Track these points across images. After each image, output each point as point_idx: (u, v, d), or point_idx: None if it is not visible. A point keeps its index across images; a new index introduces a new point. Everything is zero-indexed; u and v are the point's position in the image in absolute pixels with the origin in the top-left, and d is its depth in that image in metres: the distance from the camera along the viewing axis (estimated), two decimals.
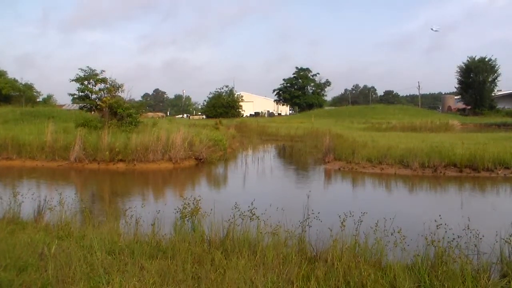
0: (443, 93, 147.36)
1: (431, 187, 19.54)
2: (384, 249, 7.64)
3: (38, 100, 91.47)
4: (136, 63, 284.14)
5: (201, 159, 26.05)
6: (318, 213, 8.75)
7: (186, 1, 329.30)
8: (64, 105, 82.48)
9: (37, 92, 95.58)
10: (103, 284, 5.76)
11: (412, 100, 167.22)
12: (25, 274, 6.01)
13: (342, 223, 8.06)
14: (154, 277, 6.04)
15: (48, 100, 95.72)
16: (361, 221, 8.17)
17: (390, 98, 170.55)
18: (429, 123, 51.14)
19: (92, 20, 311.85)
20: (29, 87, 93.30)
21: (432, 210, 13.23)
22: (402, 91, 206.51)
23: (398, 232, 7.67)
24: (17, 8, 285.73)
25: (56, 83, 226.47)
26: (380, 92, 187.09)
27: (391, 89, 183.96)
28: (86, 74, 39.40)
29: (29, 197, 11.42)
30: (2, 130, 29.42)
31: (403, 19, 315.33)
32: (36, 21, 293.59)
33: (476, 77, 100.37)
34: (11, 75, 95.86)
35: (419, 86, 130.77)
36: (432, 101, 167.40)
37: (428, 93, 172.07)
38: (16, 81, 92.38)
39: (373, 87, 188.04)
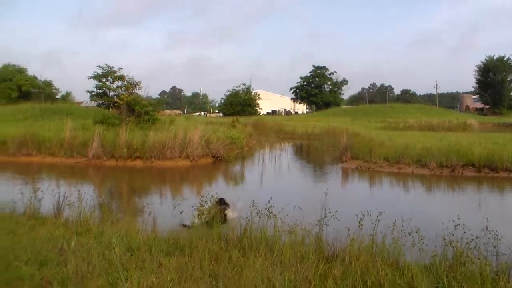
0: (460, 92, 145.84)
1: (449, 187, 19.34)
2: (402, 249, 7.57)
3: (57, 97, 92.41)
4: (158, 61, 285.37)
5: (218, 157, 26.10)
6: (336, 212, 8.71)
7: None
8: (82, 102, 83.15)
9: (56, 89, 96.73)
10: (121, 280, 5.78)
11: (429, 99, 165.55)
12: (46, 269, 6.07)
13: (359, 222, 8.01)
14: (171, 274, 6.06)
15: (66, 97, 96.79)
16: (378, 221, 8.12)
17: (407, 97, 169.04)
18: (446, 123, 50.56)
19: (120, 17, 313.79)
20: (48, 84, 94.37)
21: (450, 210, 13.09)
22: (420, 90, 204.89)
23: (416, 232, 7.62)
24: (43, 6, 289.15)
25: (75, 80, 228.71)
26: (397, 91, 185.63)
27: (408, 88, 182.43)
28: (104, 71, 39.74)
29: (48, 193, 11.53)
30: (23, 126, 29.84)
31: (422, 18, 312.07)
32: (62, 19, 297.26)
33: (494, 76, 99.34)
34: (33, 72, 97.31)
35: (436, 85, 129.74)
36: (450, 100, 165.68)
37: (445, 92, 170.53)
38: (36, 78, 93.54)
39: (390, 86, 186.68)
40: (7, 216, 10.04)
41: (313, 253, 7.35)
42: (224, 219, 11.15)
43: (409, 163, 22.39)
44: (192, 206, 10.44)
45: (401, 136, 32.43)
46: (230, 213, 11.58)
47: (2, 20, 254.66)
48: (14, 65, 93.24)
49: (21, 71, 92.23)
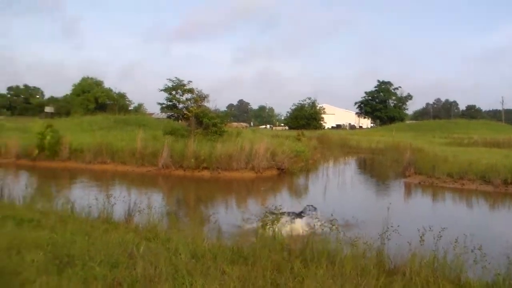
0: None
1: None
2: (464, 266, 7.38)
3: (129, 108, 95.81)
4: (226, 74, 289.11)
5: (282, 169, 26.17)
6: (398, 226, 8.60)
7: (284, 15, 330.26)
8: (153, 113, 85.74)
9: (129, 101, 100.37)
10: (186, 285, 5.91)
11: (494, 115, 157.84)
12: (117, 271, 6.34)
13: (421, 237, 7.87)
14: (234, 282, 6.13)
15: (139, 108, 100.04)
16: (440, 236, 7.91)
17: (472, 113, 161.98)
18: None
19: (192, 32, 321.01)
20: (122, 96, 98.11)
21: None
22: (485, 106, 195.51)
23: (479, 249, 7.38)
24: (120, 22, 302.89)
25: (147, 92, 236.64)
26: (462, 106, 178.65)
27: (473, 104, 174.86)
28: (174, 84, 40.98)
29: (120, 200, 12.01)
30: (98, 136, 31.17)
31: (490, 33, 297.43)
32: (137, 34, 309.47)
33: None
34: (108, 84, 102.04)
35: (502, 101, 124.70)
36: None
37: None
38: (111, 90, 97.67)
39: (455, 102, 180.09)
40: (84, 219, 10.58)
41: (374, 267, 7.27)
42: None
43: (473, 180, 21.94)
44: (257, 217, 10.58)
45: (465, 152, 31.42)
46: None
47: (82, 36, 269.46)
48: (92, 78, 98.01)
49: (98, 84, 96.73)
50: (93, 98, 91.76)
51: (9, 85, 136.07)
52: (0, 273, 6.11)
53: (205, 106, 34.23)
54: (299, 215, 12.92)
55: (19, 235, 8.17)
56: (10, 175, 24.47)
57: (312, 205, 13.89)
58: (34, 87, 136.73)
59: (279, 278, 6.50)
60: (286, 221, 11.13)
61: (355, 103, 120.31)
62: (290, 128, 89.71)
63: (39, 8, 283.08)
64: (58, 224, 9.52)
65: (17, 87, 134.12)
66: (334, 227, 8.84)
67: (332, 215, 8.95)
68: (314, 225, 11.18)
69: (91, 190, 19.10)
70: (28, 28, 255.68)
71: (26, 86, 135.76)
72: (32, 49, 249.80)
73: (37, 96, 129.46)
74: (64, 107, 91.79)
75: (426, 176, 23.74)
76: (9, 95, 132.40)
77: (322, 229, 8.70)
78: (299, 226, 11.59)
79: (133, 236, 9.02)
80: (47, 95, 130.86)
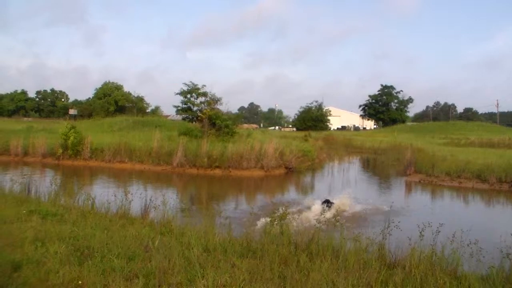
0: None
1: (508, 201, 18.99)
2: (460, 259, 7.33)
3: (147, 110, 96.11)
4: (238, 79, 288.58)
5: (290, 168, 26.18)
6: (398, 222, 8.57)
7: (293, 23, 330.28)
8: (169, 115, 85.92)
9: (147, 103, 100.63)
10: (198, 277, 5.92)
11: (490, 117, 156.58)
12: (133, 263, 6.38)
13: (420, 232, 7.81)
14: (244, 274, 6.12)
15: (156, 111, 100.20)
16: (438, 232, 7.87)
17: (469, 115, 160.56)
18: (507, 140, 47.85)
19: (205, 40, 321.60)
20: (140, 99, 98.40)
21: (508, 224, 12.62)
22: (481, 109, 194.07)
23: (474, 244, 7.34)
24: (141, 31, 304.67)
25: (164, 96, 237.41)
26: (460, 109, 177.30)
27: (470, 106, 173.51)
28: (189, 88, 41.20)
29: (137, 196, 12.00)
30: (117, 136, 31.32)
31: (486, 42, 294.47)
32: (155, 41, 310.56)
33: None
34: (128, 88, 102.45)
35: (497, 104, 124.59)
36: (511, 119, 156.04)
37: (506, 111, 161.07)
38: (130, 94, 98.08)
39: (453, 104, 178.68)
40: (103, 215, 10.61)
41: (375, 260, 7.25)
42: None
43: (469, 178, 22.10)
44: (265, 212, 10.54)
45: (462, 152, 31.39)
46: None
47: (104, 44, 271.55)
48: (112, 83, 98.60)
49: (118, 87, 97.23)
50: (113, 101, 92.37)
51: (38, 89, 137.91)
52: (27, 262, 6.18)
53: (218, 108, 34.47)
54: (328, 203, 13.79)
55: (44, 228, 8.25)
56: (36, 172, 24.65)
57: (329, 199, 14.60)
58: (60, 91, 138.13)
59: (286, 271, 6.49)
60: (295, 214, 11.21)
61: (360, 106, 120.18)
62: (298, 129, 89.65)
63: (65, 19, 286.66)
64: (79, 219, 9.59)
65: (45, 91, 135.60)
66: (338, 223, 8.80)
67: (336, 210, 8.88)
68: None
69: (110, 187, 19.19)
70: (56, 37, 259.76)
71: (52, 90, 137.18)
72: (59, 56, 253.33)
73: (62, 100, 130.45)
74: (86, 110, 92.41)
75: (426, 174, 23.88)
76: (37, 99, 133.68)
77: (327, 225, 8.64)
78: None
79: (148, 230, 9.05)
80: (71, 98, 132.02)
